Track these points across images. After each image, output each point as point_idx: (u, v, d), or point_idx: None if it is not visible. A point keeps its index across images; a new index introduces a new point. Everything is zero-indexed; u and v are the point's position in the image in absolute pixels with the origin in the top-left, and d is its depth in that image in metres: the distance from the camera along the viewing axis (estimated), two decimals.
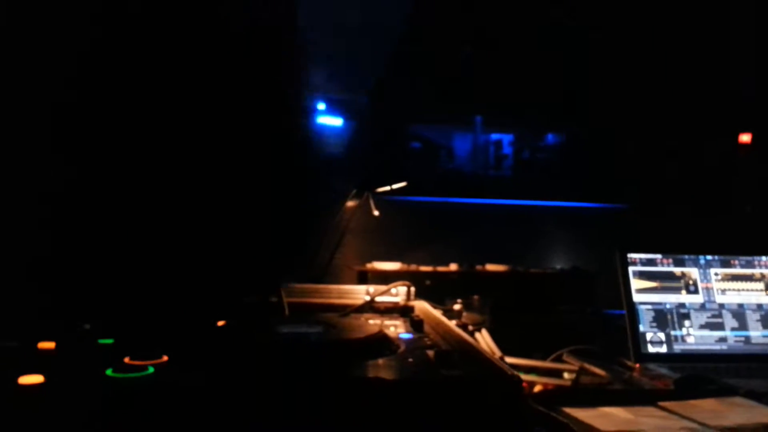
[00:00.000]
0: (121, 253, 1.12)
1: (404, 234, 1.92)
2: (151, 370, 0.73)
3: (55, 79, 1.07)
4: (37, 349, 0.86)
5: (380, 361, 0.80)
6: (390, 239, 1.89)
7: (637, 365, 1.36)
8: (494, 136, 4.28)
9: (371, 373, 0.74)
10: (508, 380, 0.68)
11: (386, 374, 0.73)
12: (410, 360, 0.82)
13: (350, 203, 1.91)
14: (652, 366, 1.35)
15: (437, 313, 1.18)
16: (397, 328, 1.07)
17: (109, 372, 0.71)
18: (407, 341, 0.95)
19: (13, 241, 1.08)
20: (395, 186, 1.79)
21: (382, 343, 0.87)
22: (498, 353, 1.17)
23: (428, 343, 0.94)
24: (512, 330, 1.36)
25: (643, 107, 2.36)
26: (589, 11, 2.57)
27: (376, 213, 1.79)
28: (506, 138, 4.28)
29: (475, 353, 0.82)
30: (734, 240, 1.58)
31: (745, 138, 1.93)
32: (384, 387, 0.70)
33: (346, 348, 0.84)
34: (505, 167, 4.26)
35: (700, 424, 0.94)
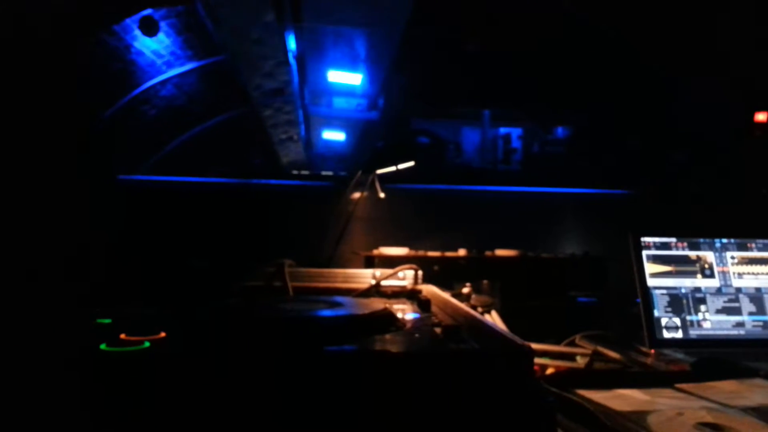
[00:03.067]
0: None
1: (413, 222, 1.89)
2: (146, 344, 0.70)
3: None
4: None
5: (386, 336, 0.77)
6: (398, 227, 1.86)
7: (653, 351, 1.32)
8: (503, 130, 4.24)
9: (377, 347, 0.71)
10: (518, 350, 0.65)
11: (393, 348, 0.70)
12: (417, 336, 0.79)
13: (356, 193, 1.89)
14: (667, 351, 1.31)
15: (445, 296, 1.15)
16: (404, 312, 1.04)
17: (102, 346, 0.69)
18: (414, 320, 0.92)
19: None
20: (402, 166, 1.76)
21: (387, 319, 0.84)
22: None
23: (435, 321, 0.91)
24: (523, 315, 1.33)
25: (651, 88, 2.32)
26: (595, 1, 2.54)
27: (381, 195, 1.76)
28: (515, 132, 4.23)
29: (483, 328, 0.79)
30: (749, 223, 1.53)
31: (761, 117, 1.87)
32: (390, 360, 0.67)
33: (351, 323, 0.81)
34: (514, 161, 4.21)
35: (719, 404, 0.91)
